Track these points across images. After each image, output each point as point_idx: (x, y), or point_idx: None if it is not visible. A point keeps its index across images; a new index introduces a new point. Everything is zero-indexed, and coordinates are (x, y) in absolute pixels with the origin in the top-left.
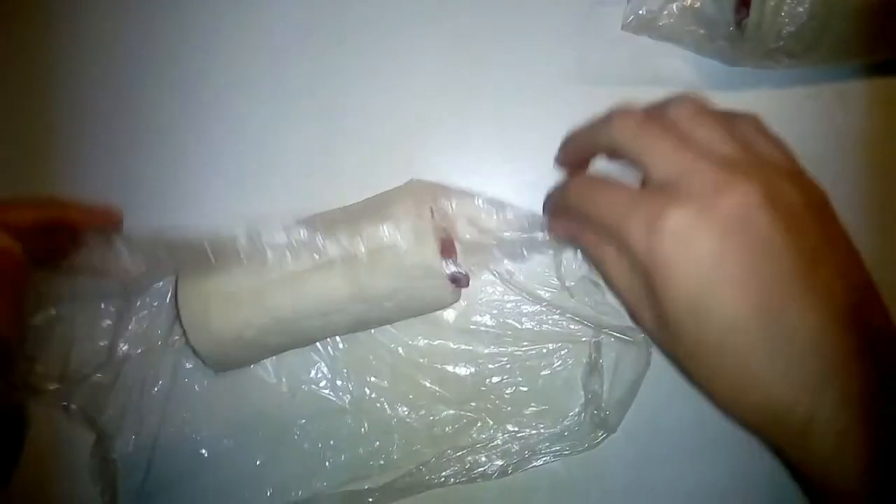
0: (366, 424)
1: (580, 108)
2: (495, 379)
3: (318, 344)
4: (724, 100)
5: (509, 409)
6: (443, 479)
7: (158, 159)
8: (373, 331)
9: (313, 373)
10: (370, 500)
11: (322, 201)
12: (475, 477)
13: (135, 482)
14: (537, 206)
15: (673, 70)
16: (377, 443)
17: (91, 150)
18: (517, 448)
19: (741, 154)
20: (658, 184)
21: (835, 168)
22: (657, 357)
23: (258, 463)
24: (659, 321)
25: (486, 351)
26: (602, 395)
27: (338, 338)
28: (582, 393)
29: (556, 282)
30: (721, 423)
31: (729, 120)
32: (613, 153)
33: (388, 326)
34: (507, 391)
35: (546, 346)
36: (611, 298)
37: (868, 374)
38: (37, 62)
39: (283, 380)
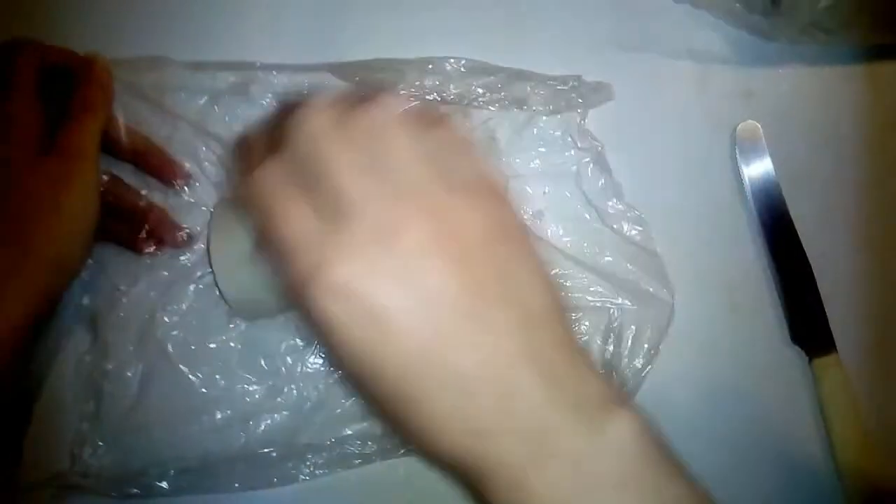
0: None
1: (616, 76)
2: None
3: None
4: (757, 75)
5: None
6: None
7: None
8: None
9: None
10: (357, 461)
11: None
12: None
13: (122, 398)
14: None
15: (707, 43)
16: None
17: None
18: None
19: (421, 178)
20: (331, 207)
21: (863, 149)
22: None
23: (247, 400)
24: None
25: None
26: (619, 364)
27: None
28: (598, 360)
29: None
30: (729, 403)
31: (421, 131)
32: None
33: None
34: None
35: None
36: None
37: (532, 411)
38: None
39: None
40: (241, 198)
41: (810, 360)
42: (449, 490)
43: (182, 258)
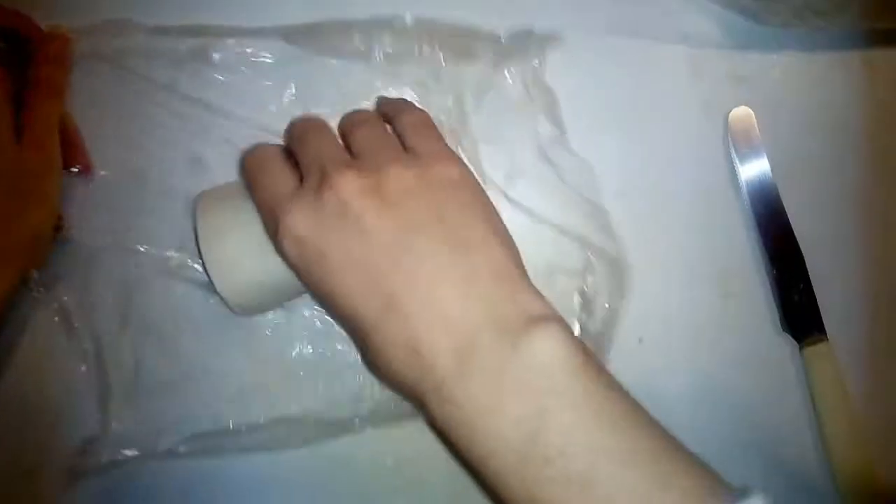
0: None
1: (608, 60)
2: None
3: None
4: (750, 60)
5: None
6: None
7: None
8: None
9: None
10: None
11: None
12: None
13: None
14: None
15: (700, 27)
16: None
17: None
18: None
19: (377, 150)
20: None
21: (856, 135)
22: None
23: (246, 380)
24: None
25: None
26: (589, 326)
27: None
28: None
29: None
30: (720, 390)
31: (390, 117)
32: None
33: None
34: None
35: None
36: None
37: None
38: None
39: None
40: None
41: (801, 348)
42: None
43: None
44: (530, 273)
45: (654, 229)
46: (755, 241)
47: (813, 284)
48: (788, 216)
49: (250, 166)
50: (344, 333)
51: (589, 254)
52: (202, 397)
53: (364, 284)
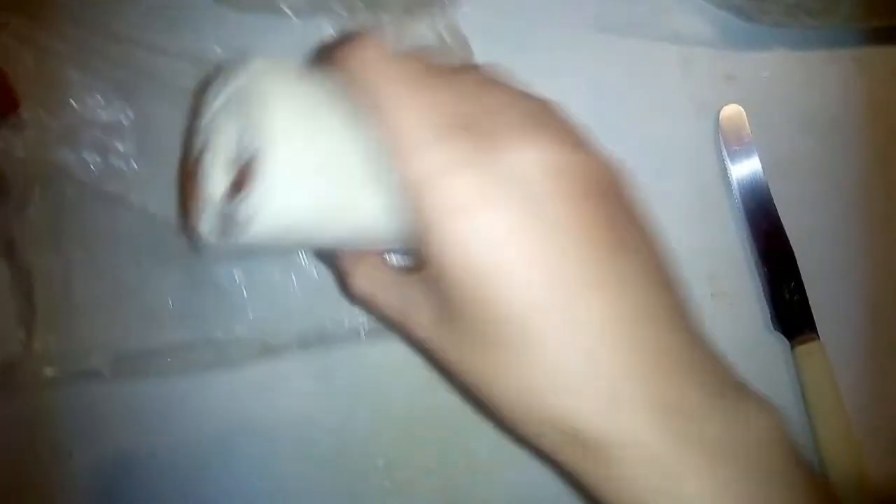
0: (294, 279)
1: (598, 58)
2: None
3: None
4: (741, 59)
5: None
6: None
7: None
8: None
9: None
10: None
11: None
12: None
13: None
14: None
15: (691, 25)
16: (300, 295)
17: None
18: None
19: (525, 118)
20: (460, 121)
21: (847, 133)
22: None
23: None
24: (439, 317)
25: None
26: None
27: None
28: None
29: None
30: None
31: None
32: None
33: None
34: None
35: None
36: None
37: (679, 387)
38: None
39: None
40: (341, 63)
41: (792, 347)
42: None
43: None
44: None
45: None
46: (746, 239)
47: (804, 282)
48: (780, 215)
49: (369, 75)
50: (279, 259)
51: None
52: (130, 318)
53: (543, 290)
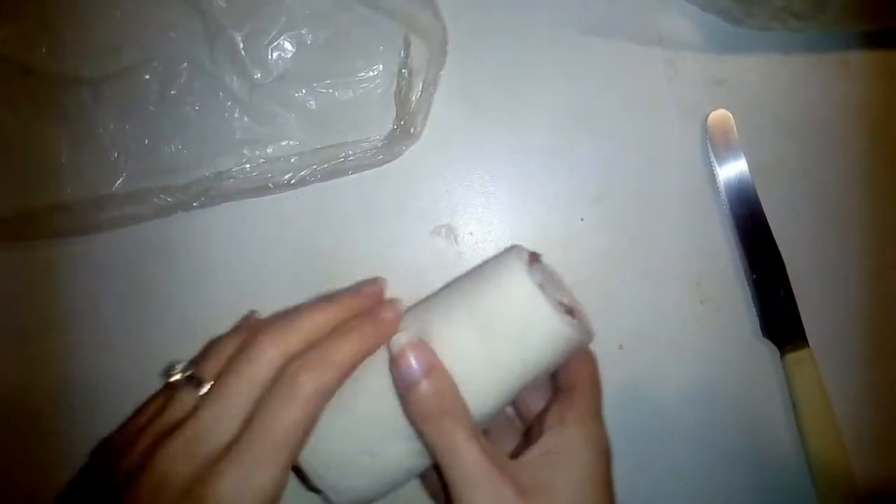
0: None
1: (580, 61)
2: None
3: None
4: (728, 62)
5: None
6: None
7: None
8: None
9: None
10: (156, 200)
11: None
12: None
13: None
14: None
15: (677, 29)
16: (181, 146)
17: None
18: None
19: None
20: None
21: (835, 137)
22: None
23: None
24: None
25: None
26: (407, 103)
27: None
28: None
29: None
30: (699, 397)
31: None
32: None
33: None
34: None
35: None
36: None
37: None
38: None
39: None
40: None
41: (782, 355)
42: None
43: None
44: None
45: (632, 234)
46: (734, 245)
47: (793, 289)
48: (768, 219)
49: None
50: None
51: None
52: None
53: None
